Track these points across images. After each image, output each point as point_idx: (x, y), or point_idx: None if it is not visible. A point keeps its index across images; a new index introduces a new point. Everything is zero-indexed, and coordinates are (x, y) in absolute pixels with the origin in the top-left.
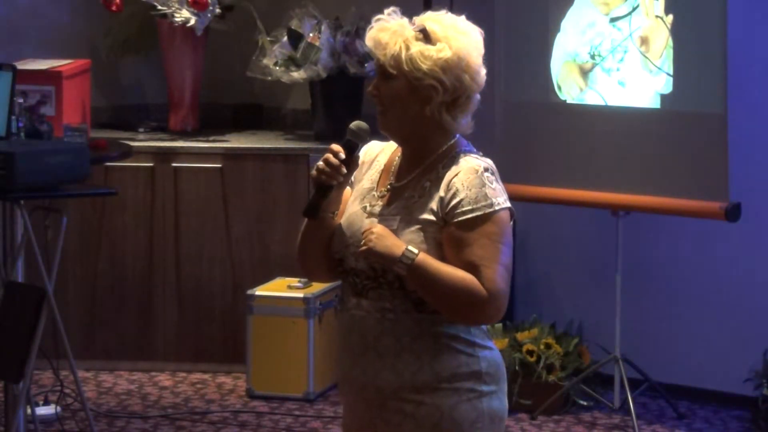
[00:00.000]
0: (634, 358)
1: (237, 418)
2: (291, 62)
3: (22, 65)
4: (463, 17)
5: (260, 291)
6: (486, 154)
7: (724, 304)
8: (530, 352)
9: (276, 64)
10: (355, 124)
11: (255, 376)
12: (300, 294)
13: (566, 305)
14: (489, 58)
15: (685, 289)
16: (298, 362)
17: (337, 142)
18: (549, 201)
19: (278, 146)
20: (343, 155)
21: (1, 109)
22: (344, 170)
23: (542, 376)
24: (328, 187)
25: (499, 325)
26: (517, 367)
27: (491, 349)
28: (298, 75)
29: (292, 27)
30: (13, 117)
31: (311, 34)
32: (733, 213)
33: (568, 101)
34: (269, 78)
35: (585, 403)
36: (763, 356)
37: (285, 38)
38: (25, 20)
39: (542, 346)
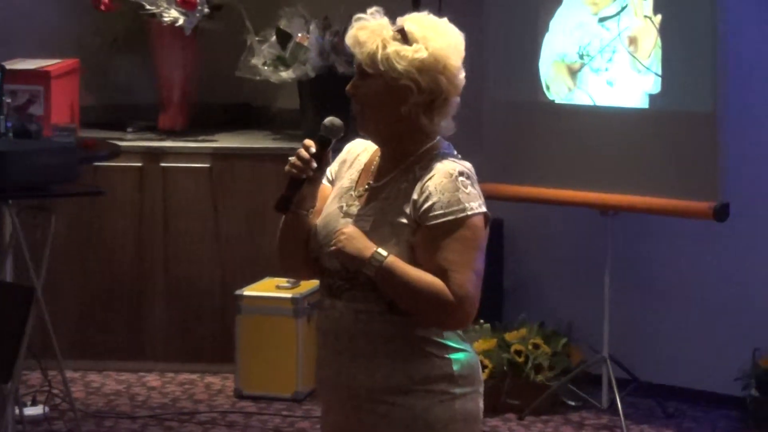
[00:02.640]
0: (622, 357)
1: (225, 418)
2: (280, 62)
3: (10, 65)
4: (445, 19)
5: (248, 291)
6: (474, 154)
7: (713, 304)
8: (518, 353)
9: (265, 63)
10: (328, 120)
11: (243, 377)
12: (288, 294)
13: (555, 305)
14: (478, 58)
15: (673, 289)
16: (286, 362)
17: (312, 138)
18: (538, 201)
19: (267, 146)
20: (314, 149)
21: None
22: (314, 164)
23: (530, 376)
24: (299, 181)
25: (488, 325)
26: (505, 368)
27: (466, 352)
28: (286, 75)
29: (281, 27)
30: (2, 117)
31: (300, 34)
32: (721, 213)
33: (556, 101)
34: (258, 78)
35: (573, 404)
36: (751, 356)
37: (274, 38)
38: (14, 20)
39: (530, 346)
